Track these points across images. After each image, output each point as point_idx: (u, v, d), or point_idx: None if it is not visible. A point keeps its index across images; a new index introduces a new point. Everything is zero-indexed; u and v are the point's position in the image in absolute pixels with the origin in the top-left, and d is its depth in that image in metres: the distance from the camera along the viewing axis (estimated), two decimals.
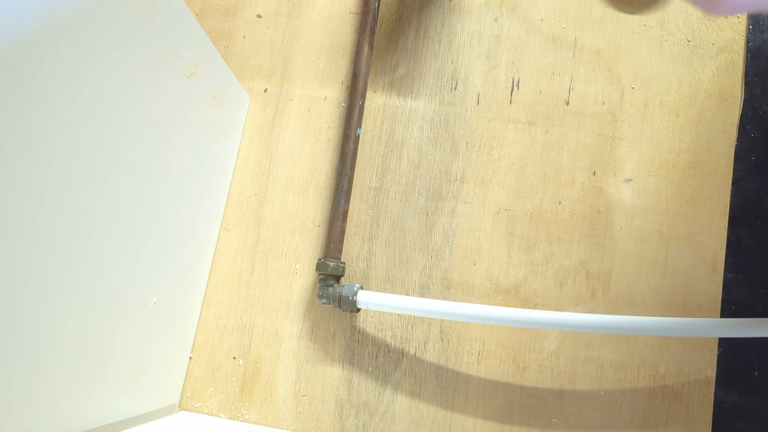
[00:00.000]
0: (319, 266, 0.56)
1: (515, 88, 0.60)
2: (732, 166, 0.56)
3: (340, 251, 0.58)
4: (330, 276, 0.56)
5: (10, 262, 0.32)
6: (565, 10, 0.61)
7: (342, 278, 0.58)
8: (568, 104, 0.59)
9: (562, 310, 0.55)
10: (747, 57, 0.58)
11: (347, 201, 0.58)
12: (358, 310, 0.55)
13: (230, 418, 0.57)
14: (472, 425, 0.54)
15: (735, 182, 0.56)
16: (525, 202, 0.58)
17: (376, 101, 0.62)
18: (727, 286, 0.54)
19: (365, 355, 0.57)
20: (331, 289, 0.55)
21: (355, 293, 0.54)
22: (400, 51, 0.63)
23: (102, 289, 0.41)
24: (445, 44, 0.62)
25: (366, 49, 0.61)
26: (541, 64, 0.60)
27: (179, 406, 0.58)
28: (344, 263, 0.57)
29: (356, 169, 0.60)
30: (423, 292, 0.57)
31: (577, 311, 0.55)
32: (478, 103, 0.60)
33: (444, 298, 0.57)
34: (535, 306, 0.55)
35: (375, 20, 0.62)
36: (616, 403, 0.53)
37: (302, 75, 0.64)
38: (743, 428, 0.51)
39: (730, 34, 0.59)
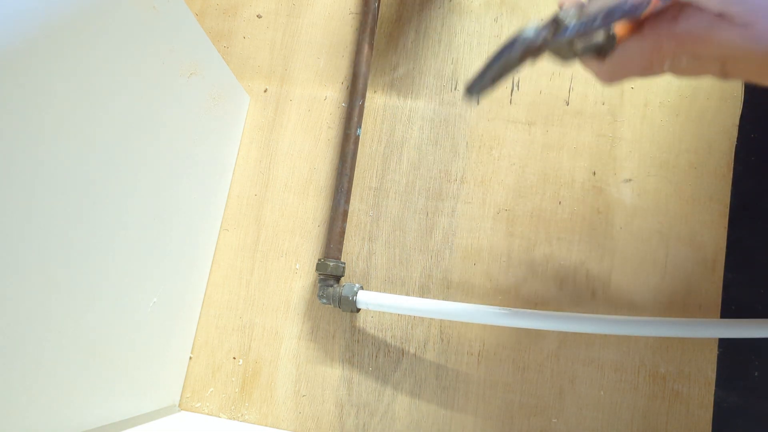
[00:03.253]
0: (319, 266, 0.56)
1: (515, 88, 0.60)
2: (732, 166, 0.56)
3: (340, 251, 0.58)
4: (330, 276, 0.56)
5: (9, 261, 0.32)
6: None
7: (342, 278, 0.58)
8: (568, 104, 0.59)
9: (562, 310, 0.55)
10: None
11: (347, 201, 0.58)
12: (358, 310, 0.55)
13: (230, 418, 0.57)
14: (472, 425, 0.54)
15: (735, 182, 0.56)
16: (525, 202, 0.58)
17: (376, 101, 0.62)
18: (727, 286, 0.54)
19: (365, 355, 0.57)
20: (331, 289, 0.55)
21: (355, 293, 0.54)
22: (400, 51, 0.63)
23: (102, 289, 0.41)
24: (445, 44, 0.62)
25: (366, 49, 0.61)
26: (541, 64, 0.60)
27: (179, 406, 0.58)
28: (344, 263, 0.57)
29: (356, 169, 0.60)
30: (423, 292, 0.57)
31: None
32: (478, 103, 0.60)
33: (444, 298, 0.57)
34: (535, 306, 0.55)
35: (375, 20, 0.62)
36: (616, 404, 0.53)
37: (302, 75, 0.64)
38: (743, 428, 0.51)
39: None
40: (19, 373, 0.34)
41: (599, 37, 0.36)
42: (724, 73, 0.32)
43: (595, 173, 0.57)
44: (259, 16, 0.66)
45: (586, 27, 0.33)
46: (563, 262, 0.56)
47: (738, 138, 0.57)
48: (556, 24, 0.33)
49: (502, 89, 0.60)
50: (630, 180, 0.57)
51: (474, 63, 0.61)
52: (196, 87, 0.51)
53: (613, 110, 0.58)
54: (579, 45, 0.36)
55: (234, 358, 0.58)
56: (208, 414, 0.57)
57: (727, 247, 0.55)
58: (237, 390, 0.58)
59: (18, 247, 0.33)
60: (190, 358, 0.59)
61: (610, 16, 0.33)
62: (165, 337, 0.53)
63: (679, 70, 0.33)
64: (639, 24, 0.34)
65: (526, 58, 0.34)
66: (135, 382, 0.49)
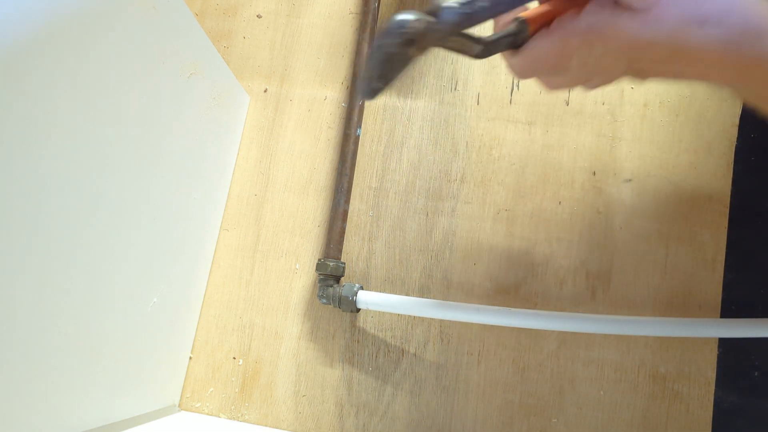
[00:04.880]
0: (319, 266, 0.56)
1: (515, 88, 0.60)
2: (732, 166, 0.56)
3: (340, 251, 0.58)
4: (330, 276, 0.56)
5: (10, 262, 0.32)
6: None
7: (342, 278, 0.58)
8: (568, 104, 0.59)
9: (562, 310, 0.55)
10: None
11: (347, 201, 0.58)
12: (358, 310, 0.55)
13: (230, 418, 0.57)
14: (472, 425, 0.54)
15: (735, 182, 0.56)
16: (525, 202, 0.58)
17: (376, 101, 0.62)
18: (727, 286, 0.54)
19: (365, 355, 0.57)
20: (331, 289, 0.55)
21: (355, 293, 0.54)
22: None
23: (102, 289, 0.41)
24: None
25: (366, 49, 0.61)
26: None
27: (179, 406, 0.58)
28: (344, 263, 0.57)
29: (356, 169, 0.60)
30: (423, 292, 0.57)
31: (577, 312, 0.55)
32: (478, 103, 0.60)
33: (444, 298, 0.57)
34: (535, 306, 0.55)
35: (375, 20, 0.62)
36: (616, 404, 0.53)
37: (302, 75, 0.64)
38: (743, 428, 0.51)
39: None
40: (19, 373, 0.34)
41: (511, 26, 0.35)
42: (635, 71, 0.32)
43: (595, 173, 0.57)
44: (259, 16, 0.66)
45: (471, 8, 0.32)
46: (563, 262, 0.56)
47: (738, 138, 0.57)
48: (437, 8, 0.33)
49: (502, 89, 0.60)
50: (630, 180, 0.57)
51: (474, 63, 0.61)
52: (196, 87, 0.51)
53: (613, 110, 0.58)
54: (490, 38, 0.35)
55: (234, 358, 0.58)
56: (208, 414, 0.57)
57: (727, 247, 0.55)
58: (237, 390, 0.58)
59: (18, 247, 0.33)
60: (190, 358, 0.59)
61: None
62: (165, 337, 0.53)
63: (589, 70, 0.33)
64: (548, 20, 0.34)
65: (412, 47, 0.33)
66: (135, 382, 0.49)
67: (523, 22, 0.36)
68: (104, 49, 0.37)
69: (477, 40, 0.36)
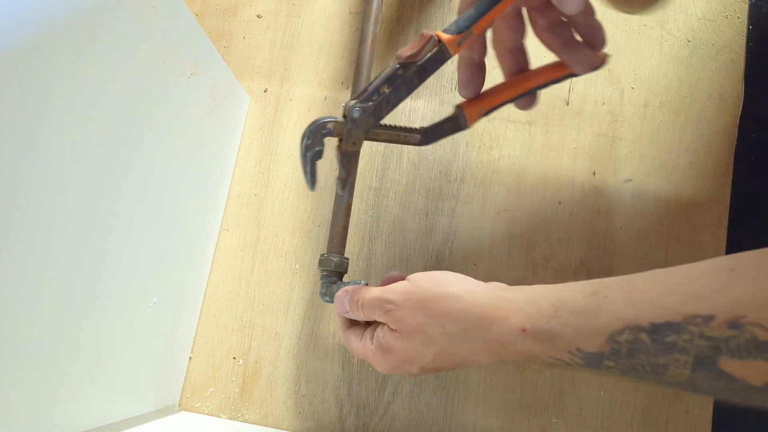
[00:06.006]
0: (323, 261, 0.54)
1: None
2: (732, 166, 0.56)
3: (344, 246, 0.57)
4: (333, 272, 0.55)
5: (9, 261, 0.32)
6: None
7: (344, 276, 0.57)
8: (568, 104, 0.59)
9: None
10: (747, 57, 0.58)
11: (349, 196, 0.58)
12: None
13: (230, 418, 0.57)
14: (472, 425, 0.54)
15: (735, 182, 0.56)
16: (525, 202, 0.58)
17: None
18: None
19: None
20: (335, 286, 0.55)
21: None
22: None
23: (102, 289, 0.41)
24: None
25: (367, 49, 0.61)
26: (541, 64, 0.60)
27: (179, 406, 0.58)
28: (348, 259, 0.56)
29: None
30: None
31: None
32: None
33: None
34: None
35: (376, 20, 0.62)
36: (616, 404, 0.53)
37: (302, 75, 0.64)
38: (743, 428, 0.51)
39: (730, 34, 0.59)
40: (18, 373, 0.34)
41: (451, 112, 0.43)
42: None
43: (595, 173, 0.57)
44: (259, 16, 0.66)
45: (369, 101, 0.39)
46: (563, 262, 0.56)
47: (738, 138, 0.57)
48: (344, 108, 0.40)
49: None
50: (630, 180, 0.57)
51: None
52: (196, 87, 0.51)
53: (613, 110, 0.59)
54: (430, 126, 0.43)
55: (234, 358, 0.58)
56: (208, 414, 0.57)
57: (727, 248, 0.55)
58: (237, 390, 0.58)
59: (17, 247, 0.33)
60: (190, 358, 0.59)
61: (386, 80, 0.39)
62: (165, 337, 0.53)
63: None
64: (484, 106, 0.43)
65: (343, 147, 0.41)
66: (135, 382, 0.49)
67: (458, 107, 0.42)
68: (103, 49, 0.37)
69: (412, 130, 0.43)
